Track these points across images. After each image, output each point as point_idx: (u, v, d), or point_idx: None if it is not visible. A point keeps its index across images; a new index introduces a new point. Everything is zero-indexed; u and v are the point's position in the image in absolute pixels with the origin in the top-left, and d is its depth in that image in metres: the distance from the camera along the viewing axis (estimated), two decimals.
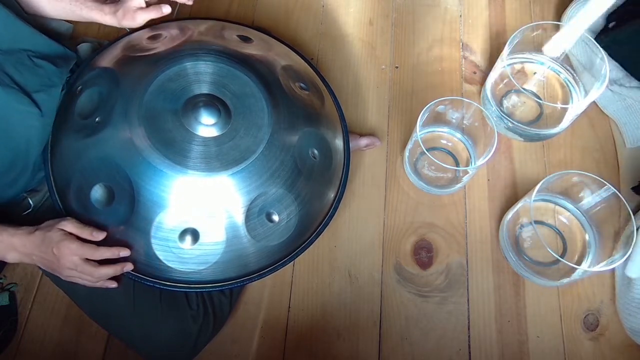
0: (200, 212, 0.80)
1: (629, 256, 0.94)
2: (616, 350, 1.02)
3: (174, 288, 0.85)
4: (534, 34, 1.19)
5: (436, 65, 1.28)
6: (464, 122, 1.15)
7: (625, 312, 1.00)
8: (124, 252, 0.81)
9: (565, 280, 1.02)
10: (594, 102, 1.19)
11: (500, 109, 1.19)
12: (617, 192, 0.98)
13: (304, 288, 1.07)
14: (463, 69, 1.28)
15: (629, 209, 0.96)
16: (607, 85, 1.12)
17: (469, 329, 1.04)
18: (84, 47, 1.01)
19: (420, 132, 1.04)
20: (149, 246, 0.80)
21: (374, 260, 1.09)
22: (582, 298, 1.05)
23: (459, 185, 1.12)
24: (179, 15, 1.33)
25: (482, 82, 1.25)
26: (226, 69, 0.85)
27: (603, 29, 1.15)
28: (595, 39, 1.12)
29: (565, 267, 1.03)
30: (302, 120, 0.89)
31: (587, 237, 1.08)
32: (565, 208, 1.11)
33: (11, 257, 0.80)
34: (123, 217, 0.80)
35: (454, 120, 1.16)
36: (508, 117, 1.16)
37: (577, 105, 1.11)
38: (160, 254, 0.81)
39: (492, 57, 1.28)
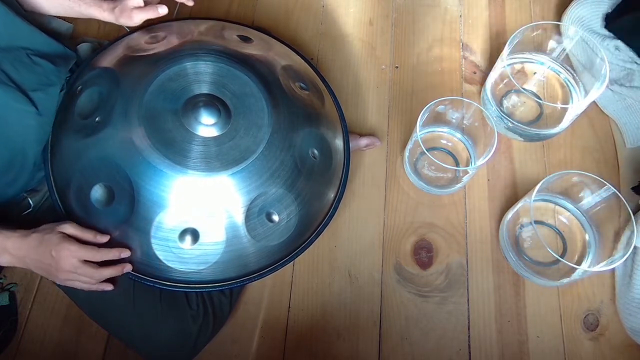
0: (200, 212, 0.80)
1: (636, 227, 0.93)
2: (616, 350, 1.02)
3: (173, 288, 0.85)
4: (534, 34, 1.19)
5: (436, 65, 1.28)
6: (464, 122, 1.15)
7: (626, 311, 1.00)
8: (125, 253, 0.81)
9: (565, 280, 1.02)
10: (594, 102, 1.19)
11: (500, 109, 1.19)
12: (617, 192, 0.98)
13: (304, 288, 1.07)
14: (463, 69, 1.28)
15: (629, 209, 0.96)
16: (608, 85, 1.12)
17: (469, 329, 1.04)
18: (84, 47, 1.01)
19: (420, 132, 1.04)
20: (149, 246, 0.80)
21: (374, 260, 1.09)
22: (582, 298, 1.05)
23: (459, 185, 1.12)
24: (179, 15, 1.33)
25: (482, 82, 1.25)
26: (226, 69, 0.85)
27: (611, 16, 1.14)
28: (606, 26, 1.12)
29: (565, 267, 1.03)
30: (302, 120, 0.89)
31: (587, 237, 1.08)
32: (565, 208, 1.11)
33: (3, 260, 0.79)
34: (123, 217, 0.80)
35: (454, 120, 1.16)
36: (508, 117, 1.16)
37: (577, 105, 1.11)
38: (160, 253, 0.81)
39: (492, 57, 1.28)
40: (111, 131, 0.80)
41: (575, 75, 1.21)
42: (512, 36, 1.11)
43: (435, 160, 1.02)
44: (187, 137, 0.79)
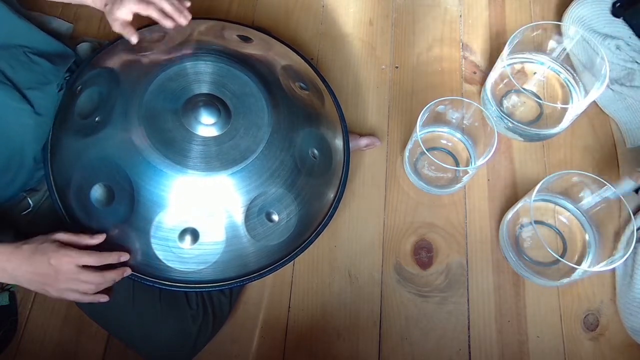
0: (200, 211, 0.80)
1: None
2: (616, 350, 1.02)
3: (173, 288, 0.85)
4: (534, 34, 1.19)
5: (436, 65, 1.28)
6: (464, 122, 1.15)
7: (627, 311, 1.00)
8: (124, 257, 0.80)
9: (565, 280, 1.02)
10: (594, 101, 1.19)
11: (500, 109, 1.19)
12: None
13: (304, 288, 1.07)
14: (463, 69, 1.28)
15: (629, 209, 0.96)
16: (608, 85, 1.12)
17: (469, 329, 1.04)
18: (83, 47, 1.01)
19: (420, 132, 1.04)
20: (149, 246, 0.80)
21: (374, 260, 1.09)
22: (582, 298, 1.05)
23: (459, 185, 1.12)
24: None
25: (482, 82, 1.25)
26: (226, 68, 0.85)
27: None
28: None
29: (565, 267, 1.03)
30: (302, 120, 0.89)
31: (587, 237, 1.08)
32: (565, 208, 1.11)
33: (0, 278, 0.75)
34: (123, 216, 0.80)
35: (454, 120, 1.16)
36: (508, 117, 1.16)
37: (577, 105, 1.11)
38: (160, 253, 0.81)
39: (492, 57, 1.28)
40: (111, 131, 0.80)
41: (575, 75, 1.21)
42: (512, 36, 1.11)
43: (435, 160, 1.02)
44: (187, 137, 0.79)
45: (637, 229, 0.95)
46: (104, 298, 0.81)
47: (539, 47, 1.23)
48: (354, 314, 1.05)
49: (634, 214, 0.96)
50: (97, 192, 0.81)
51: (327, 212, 0.95)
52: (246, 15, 1.33)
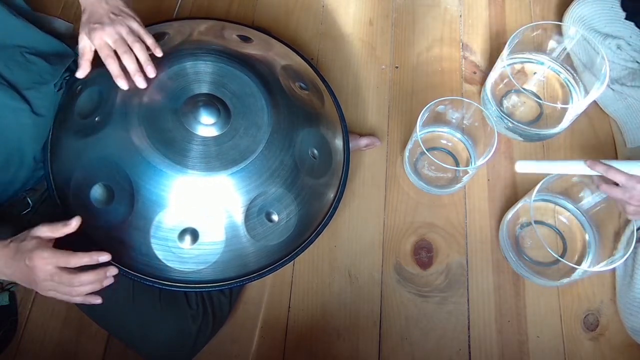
0: (199, 211, 0.80)
1: None
2: (616, 350, 1.02)
3: (173, 288, 0.85)
4: (534, 34, 1.19)
5: (436, 65, 1.28)
6: (464, 122, 1.15)
7: (627, 311, 1.00)
8: (104, 257, 0.72)
9: (565, 280, 1.02)
10: (594, 101, 1.19)
11: (500, 109, 1.19)
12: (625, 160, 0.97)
13: (304, 288, 1.07)
14: (463, 69, 1.28)
15: None
16: (608, 84, 1.12)
17: (469, 329, 1.04)
18: None
19: (420, 132, 1.04)
20: (149, 246, 0.80)
21: (374, 260, 1.09)
22: (582, 298, 1.05)
23: (459, 185, 1.12)
24: (179, 15, 1.33)
25: (482, 82, 1.25)
26: (226, 68, 0.85)
27: None
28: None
29: (565, 267, 1.03)
30: (302, 120, 0.89)
31: (587, 237, 1.08)
32: (565, 208, 1.11)
33: None
34: (122, 216, 0.80)
35: (454, 120, 1.16)
36: (508, 117, 1.16)
37: (577, 105, 1.11)
38: (159, 253, 0.81)
39: (492, 57, 1.28)
40: (111, 131, 0.80)
41: (575, 75, 1.21)
42: (512, 36, 1.11)
43: (435, 160, 1.02)
44: (187, 137, 0.79)
45: (637, 229, 0.95)
46: (96, 300, 0.75)
47: (539, 47, 1.23)
48: (354, 314, 1.05)
49: None
50: (97, 191, 0.81)
51: (327, 212, 0.95)
52: (246, 15, 1.33)
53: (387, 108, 1.23)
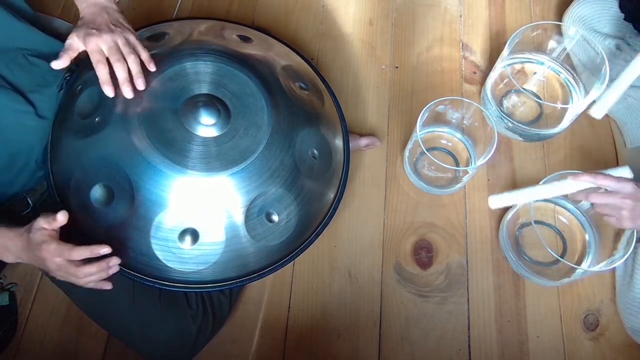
0: (199, 212, 0.80)
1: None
2: (616, 350, 1.02)
3: (173, 288, 0.85)
4: (534, 34, 1.19)
5: (436, 65, 1.28)
6: (464, 122, 1.15)
7: (627, 311, 1.00)
8: (105, 250, 0.75)
9: (565, 280, 1.02)
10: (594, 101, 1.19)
11: (500, 109, 1.19)
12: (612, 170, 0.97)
13: (304, 288, 1.07)
14: (463, 69, 1.28)
15: None
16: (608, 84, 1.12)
17: (469, 329, 1.04)
18: None
19: (420, 132, 1.04)
20: (149, 246, 0.80)
21: (374, 260, 1.09)
22: (582, 298, 1.05)
23: (459, 185, 1.12)
24: (179, 15, 1.33)
25: (482, 82, 1.25)
26: (226, 68, 0.85)
27: None
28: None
29: (565, 267, 1.03)
30: (302, 120, 0.89)
31: (587, 237, 1.08)
32: (565, 208, 1.11)
33: (7, 258, 0.79)
34: (123, 217, 0.80)
35: (454, 120, 1.16)
36: (508, 117, 1.16)
37: (577, 105, 1.11)
38: (159, 253, 0.81)
39: (492, 57, 1.28)
40: (111, 131, 0.80)
41: (575, 75, 1.21)
42: (512, 36, 1.11)
43: (435, 160, 1.02)
44: (187, 137, 0.79)
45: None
46: (106, 285, 0.79)
47: (539, 47, 1.23)
48: (354, 314, 1.05)
49: None
50: (97, 192, 0.81)
51: (327, 212, 0.95)
52: (246, 15, 1.33)
53: (387, 108, 1.23)
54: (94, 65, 0.78)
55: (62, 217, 0.74)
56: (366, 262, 1.08)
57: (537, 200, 0.97)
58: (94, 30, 0.79)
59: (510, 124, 1.16)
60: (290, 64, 0.97)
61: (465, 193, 1.14)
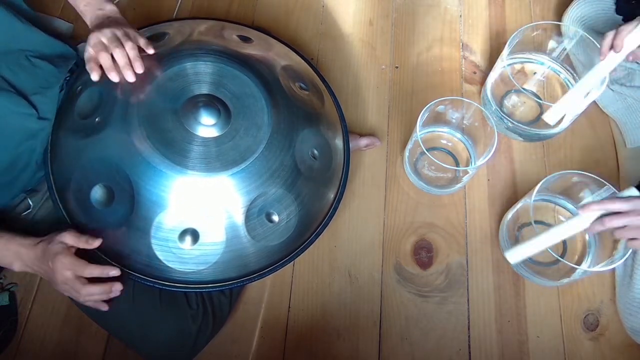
0: (200, 212, 0.80)
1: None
2: (616, 350, 1.02)
3: (173, 288, 0.85)
4: (534, 34, 1.19)
5: (436, 65, 1.28)
6: (464, 122, 1.15)
7: (626, 311, 1.00)
8: (114, 272, 0.79)
9: (565, 280, 1.02)
10: (594, 101, 1.19)
11: (500, 109, 1.19)
12: (617, 192, 0.97)
13: (304, 288, 1.07)
14: (463, 69, 1.28)
15: None
16: (608, 85, 1.12)
17: (469, 329, 1.04)
18: (84, 47, 1.01)
19: (420, 132, 1.04)
20: (149, 246, 0.80)
21: (374, 260, 1.09)
22: (582, 298, 1.05)
23: (459, 185, 1.12)
24: (179, 16, 1.33)
25: (482, 82, 1.25)
26: (226, 69, 0.85)
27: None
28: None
29: (565, 267, 1.03)
30: (302, 120, 0.89)
31: (587, 237, 1.08)
32: (565, 208, 1.11)
33: (15, 266, 0.81)
34: (123, 217, 0.80)
35: (454, 120, 1.16)
36: (508, 117, 1.16)
37: (577, 105, 1.11)
38: (160, 254, 0.81)
39: (492, 57, 1.28)
40: (111, 131, 0.80)
41: (575, 75, 1.21)
42: (512, 36, 1.11)
43: (435, 160, 1.02)
44: (187, 138, 0.79)
45: None
46: (103, 307, 0.82)
47: (539, 47, 1.23)
48: (354, 314, 1.05)
49: None
50: (97, 192, 0.81)
51: (327, 213, 0.95)
52: (246, 15, 1.33)
53: (387, 108, 1.23)
54: (97, 56, 0.80)
55: (96, 243, 0.79)
56: (366, 262, 1.09)
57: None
58: (95, 28, 0.82)
59: (510, 124, 1.16)
60: (290, 64, 0.97)
61: (465, 193, 1.14)
